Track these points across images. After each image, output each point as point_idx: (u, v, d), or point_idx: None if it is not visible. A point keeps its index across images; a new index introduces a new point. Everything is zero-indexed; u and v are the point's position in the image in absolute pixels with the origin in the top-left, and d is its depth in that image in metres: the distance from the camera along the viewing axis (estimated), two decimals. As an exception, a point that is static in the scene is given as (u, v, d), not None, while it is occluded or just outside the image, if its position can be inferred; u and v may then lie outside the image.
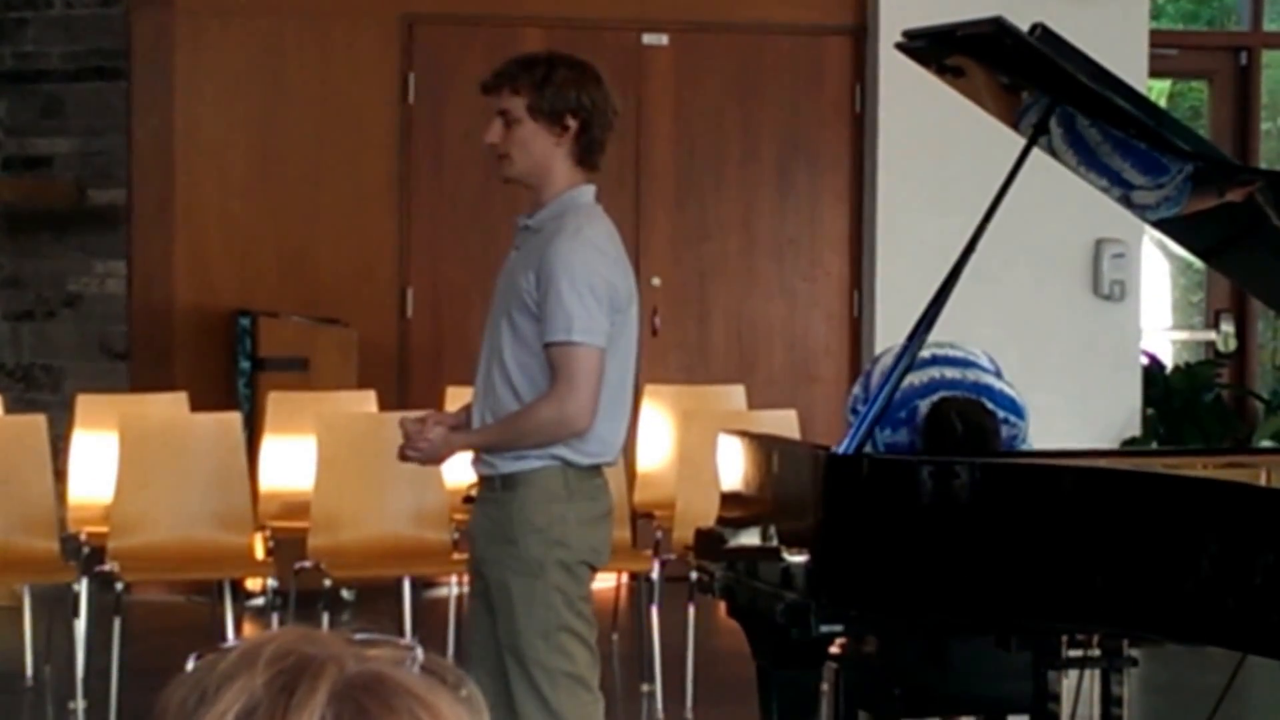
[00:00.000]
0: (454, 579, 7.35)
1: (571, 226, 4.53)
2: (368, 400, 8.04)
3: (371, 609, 8.19)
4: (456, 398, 7.53)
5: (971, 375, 4.94)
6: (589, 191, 4.64)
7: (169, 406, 7.87)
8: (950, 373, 4.91)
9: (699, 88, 9.83)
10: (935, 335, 4.44)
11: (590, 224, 4.58)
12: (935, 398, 4.84)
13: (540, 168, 4.59)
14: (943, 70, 4.71)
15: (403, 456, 4.74)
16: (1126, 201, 4.71)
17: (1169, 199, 4.60)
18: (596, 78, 4.63)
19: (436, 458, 4.77)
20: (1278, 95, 11.74)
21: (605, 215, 4.69)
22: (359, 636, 1.21)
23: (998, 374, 5.07)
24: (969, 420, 4.76)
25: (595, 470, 4.63)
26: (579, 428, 4.51)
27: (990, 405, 4.88)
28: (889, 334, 8.60)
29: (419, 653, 1.21)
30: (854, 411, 5.08)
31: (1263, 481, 4.73)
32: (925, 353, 4.69)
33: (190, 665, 1.20)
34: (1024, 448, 4.90)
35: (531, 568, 4.53)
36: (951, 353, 5.00)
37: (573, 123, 4.56)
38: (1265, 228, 4.62)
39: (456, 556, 6.82)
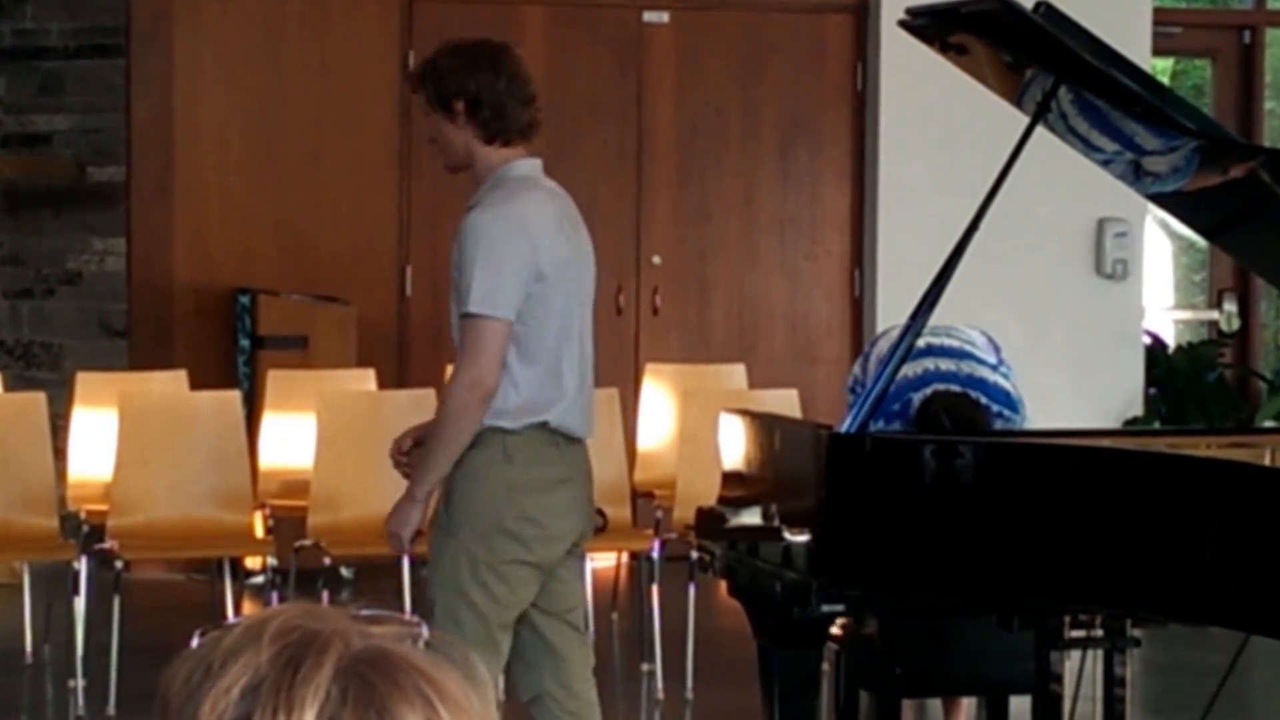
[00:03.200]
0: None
1: (489, 200, 4.56)
2: (367, 379, 8.03)
3: (370, 587, 8.19)
4: (457, 376, 7.52)
5: (966, 368, 4.93)
6: (524, 165, 4.64)
7: (168, 384, 7.86)
8: (945, 364, 4.90)
9: (700, 66, 9.79)
10: (937, 316, 4.42)
11: (514, 196, 4.56)
12: (928, 391, 4.83)
13: (462, 153, 4.64)
14: (946, 48, 4.69)
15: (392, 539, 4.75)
16: (1136, 170, 4.68)
17: (1178, 169, 4.58)
18: (490, 58, 4.62)
19: (409, 527, 4.70)
20: (1281, 74, 11.72)
21: (545, 186, 4.67)
22: (364, 613, 1.20)
23: (996, 363, 5.04)
24: (957, 415, 4.75)
25: (541, 436, 4.58)
26: (485, 388, 4.50)
27: (983, 400, 4.86)
28: (890, 314, 8.58)
29: (424, 629, 1.20)
30: (853, 392, 5.07)
31: (1266, 461, 4.72)
32: (921, 342, 4.68)
33: (195, 642, 1.19)
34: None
35: (451, 527, 4.59)
36: (947, 342, 4.98)
37: (459, 105, 4.59)
38: (1269, 206, 4.60)
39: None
